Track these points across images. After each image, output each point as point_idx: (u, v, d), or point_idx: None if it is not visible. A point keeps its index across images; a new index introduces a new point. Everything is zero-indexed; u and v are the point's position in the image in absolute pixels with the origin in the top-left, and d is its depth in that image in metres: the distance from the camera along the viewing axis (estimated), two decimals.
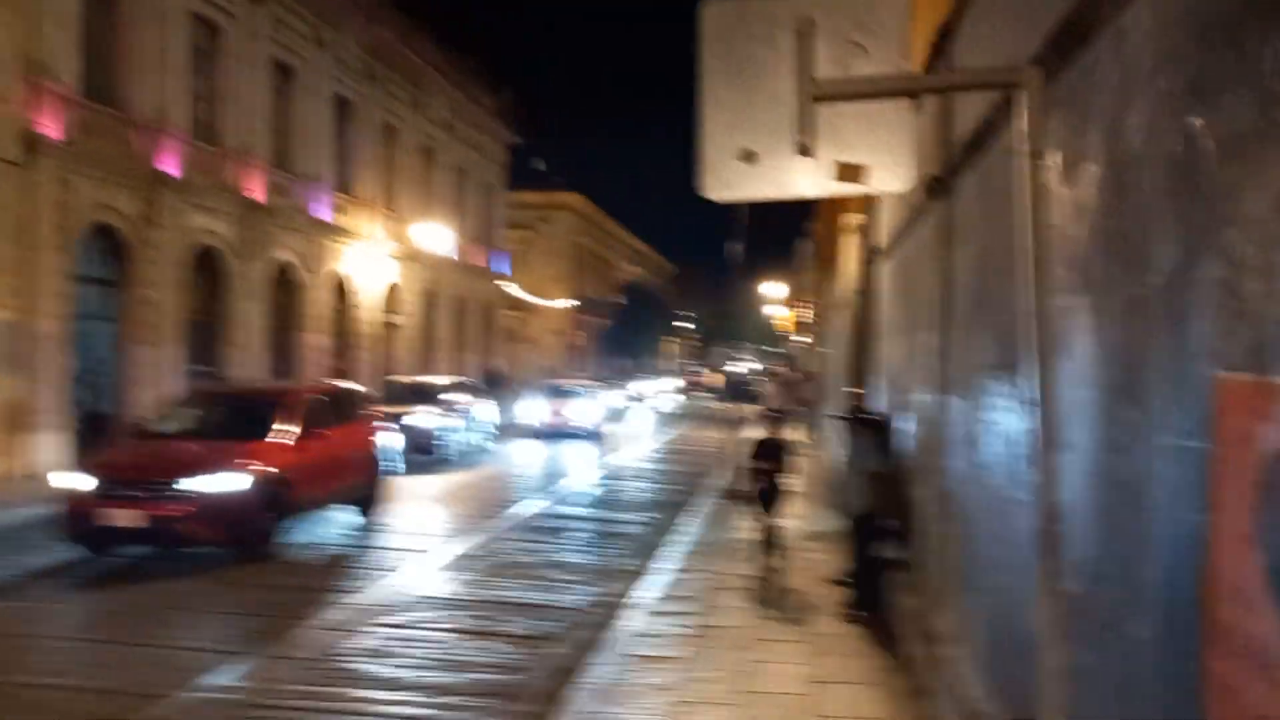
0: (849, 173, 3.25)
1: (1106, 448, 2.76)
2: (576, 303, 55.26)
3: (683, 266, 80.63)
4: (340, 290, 27.48)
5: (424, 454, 18.68)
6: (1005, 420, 4.18)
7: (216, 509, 9.92)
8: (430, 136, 33.31)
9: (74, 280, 17.13)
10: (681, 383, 58.55)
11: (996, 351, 4.51)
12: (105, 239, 18.23)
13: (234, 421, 11.60)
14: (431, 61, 32.60)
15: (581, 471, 19.77)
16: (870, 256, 11.34)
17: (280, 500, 10.70)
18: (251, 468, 10.43)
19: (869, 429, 8.02)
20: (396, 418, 17.01)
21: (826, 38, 3.12)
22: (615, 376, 40.24)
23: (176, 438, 11.49)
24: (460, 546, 11.49)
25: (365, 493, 13.10)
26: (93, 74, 17.59)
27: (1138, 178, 2.52)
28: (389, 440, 14.46)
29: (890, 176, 3.34)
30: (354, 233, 27.63)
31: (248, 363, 22.21)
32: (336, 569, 10.42)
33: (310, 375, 24.97)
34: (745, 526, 11.92)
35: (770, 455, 9.67)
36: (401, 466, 15.04)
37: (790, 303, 57.60)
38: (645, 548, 11.60)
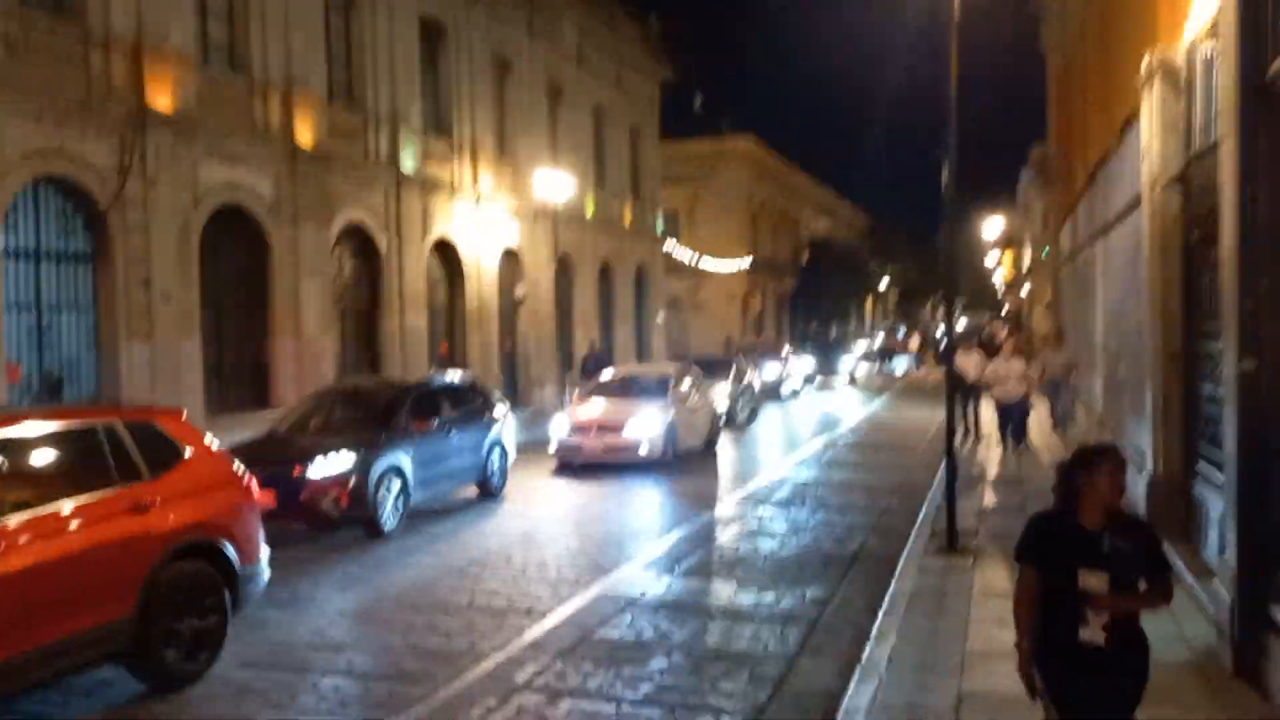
0: None
1: None
2: (752, 263, 48.72)
3: (878, 217, 71.99)
4: (441, 258, 22.40)
5: (324, 528, 10.40)
6: None
7: None
8: (555, 70, 27.70)
9: (13, 256, 12.62)
10: (877, 347, 50.88)
11: None
12: (66, 198, 13.63)
13: None
14: None
15: (646, 540, 10.55)
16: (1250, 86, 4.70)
17: None
18: None
19: None
20: (285, 464, 9.73)
21: None
22: (796, 346, 33.63)
23: None
24: None
25: (138, 639, 5.95)
26: None
27: None
28: (244, 522, 6.92)
29: None
30: (454, 186, 22.43)
31: (305, 356, 17.40)
32: None
33: (398, 368, 20.02)
34: (986, 633, 5.62)
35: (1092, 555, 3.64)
36: (262, 577, 7.10)
37: (1008, 244, 48.75)
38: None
